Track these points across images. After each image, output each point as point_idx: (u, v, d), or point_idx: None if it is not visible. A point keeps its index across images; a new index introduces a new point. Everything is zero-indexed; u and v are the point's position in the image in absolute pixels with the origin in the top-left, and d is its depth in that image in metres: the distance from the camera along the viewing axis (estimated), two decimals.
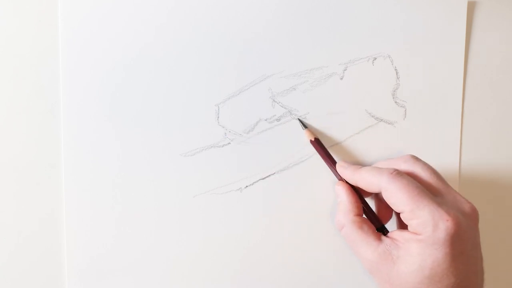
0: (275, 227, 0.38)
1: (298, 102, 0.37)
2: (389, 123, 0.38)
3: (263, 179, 0.38)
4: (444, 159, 0.39)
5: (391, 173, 0.31)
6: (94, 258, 0.37)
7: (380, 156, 0.38)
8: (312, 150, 0.37)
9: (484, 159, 0.39)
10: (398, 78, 0.38)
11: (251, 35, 0.37)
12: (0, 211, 0.37)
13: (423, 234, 0.29)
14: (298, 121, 0.37)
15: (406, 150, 0.38)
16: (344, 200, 0.34)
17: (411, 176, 0.31)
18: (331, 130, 0.38)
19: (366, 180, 0.32)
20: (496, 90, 0.39)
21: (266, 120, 0.37)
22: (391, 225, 0.35)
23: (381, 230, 0.34)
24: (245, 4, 0.36)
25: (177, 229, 0.37)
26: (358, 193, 0.35)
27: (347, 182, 0.35)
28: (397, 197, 0.30)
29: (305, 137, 0.37)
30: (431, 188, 0.31)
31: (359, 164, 0.37)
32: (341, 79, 0.38)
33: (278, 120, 0.37)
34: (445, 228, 0.28)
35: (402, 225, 0.33)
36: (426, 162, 0.33)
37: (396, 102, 0.38)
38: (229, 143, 0.37)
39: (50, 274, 0.37)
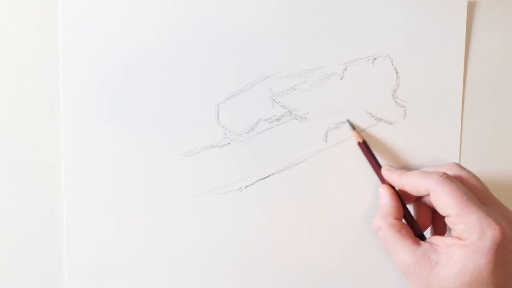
0: (275, 227, 0.38)
1: (298, 102, 0.37)
2: (389, 123, 0.38)
3: (263, 179, 0.38)
4: (444, 159, 0.39)
5: (441, 176, 0.31)
6: (94, 258, 0.37)
7: (380, 156, 0.38)
8: (312, 150, 0.37)
9: (484, 159, 0.39)
10: (398, 78, 0.38)
11: (251, 35, 0.37)
12: (0, 211, 0.37)
13: (468, 240, 0.29)
14: (347, 123, 0.37)
15: (406, 150, 0.38)
16: (386, 203, 0.34)
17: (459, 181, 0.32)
18: (331, 130, 0.38)
19: (414, 183, 0.33)
20: (496, 90, 0.39)
21: (266, 120, 0.37)
22: (427, 233, 0.35)
23: (420, 237, 0.34)
24: (245, 4, 0.36)
25: (177, 229, 0.37)
26: (400, 198, 0.35)
27: (390, 186, 0.35)
28: (446, 200, 0.30)
29: (353, 139, 0.37)
30: (479, 196, 0.31)
31: (406, 168, 0.37)
32: (341, 79, 0.38)
33: (278, 120, 0.37)
34: (492, 237, 0.28)
35: (438, 232, 0.34)
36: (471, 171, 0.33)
37: (396, 102, 0.38)
38: (229, 143, 0.37)
39: (50, 274, 0.37)
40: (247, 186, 0.38)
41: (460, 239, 0.29)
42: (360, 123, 0.38)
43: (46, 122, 0.36)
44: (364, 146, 0.37)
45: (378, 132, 0.38)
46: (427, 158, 0.38)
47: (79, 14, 0.35)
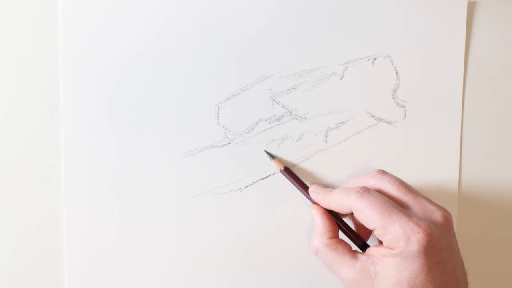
0: (275, 227, 0.38)
1: (298, 102, 0.37)
2: (389, 123, 0.38)
3: (263, 179, 0.38)
4: (444, 159, 0.39)
5: (359, 192, 0.31)
6: (94, 258, 0.37)
7: (379, 156, 0.38)
8: (312, 150, 0.37)
9: (484, 159, 0.39)
10: (398, 78, 0.38)
11: (251, 35, 0.37)
12: (0, 211, 0.37)
13: (396, 248, 0.29)
14: (265, 154, 0.37)
15: (406, 150, 0.38)
16: (319, 224, 0.34)
17: (379, 192, 0.31)
18: (331, 130, 0.38)
19: (338, 203, 0.33)
20: (496, 90, 0.39)
21: (266, 120, 0.37)
22: (372, 241, 0.35)
23: (364, 247, 0.34)
24: (245, 4, 0.36)
25: (177, 229, 0.37)
26: (335, 214, 0.35)
27: (321, 206, 0.35)
28: (367, 215, 0.30)
29: (275, 167, 0.37)
30: (400, 201, 0.31)
31: (329, 186, 0.37)
32: (341, 79, 0.38)
33: (278, 120, 0.37)
34: (417, 241, 0.28)
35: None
36: (393, 174, 0.33)
37: (396, 102, 0.38)
38: (229, 143, 0.37)
39: (50, 274, 0.37)
40: (247, 186, 0.38)
41: (390, 248, 0.29)
42: (360, 123, 0.38)
43: (46, 122, 0.36)
44: (287, 173, 0.37)
45: (378, 132, 0.38)
46: (427, 158, 0.38)
47: (79, 14, 0.35)
